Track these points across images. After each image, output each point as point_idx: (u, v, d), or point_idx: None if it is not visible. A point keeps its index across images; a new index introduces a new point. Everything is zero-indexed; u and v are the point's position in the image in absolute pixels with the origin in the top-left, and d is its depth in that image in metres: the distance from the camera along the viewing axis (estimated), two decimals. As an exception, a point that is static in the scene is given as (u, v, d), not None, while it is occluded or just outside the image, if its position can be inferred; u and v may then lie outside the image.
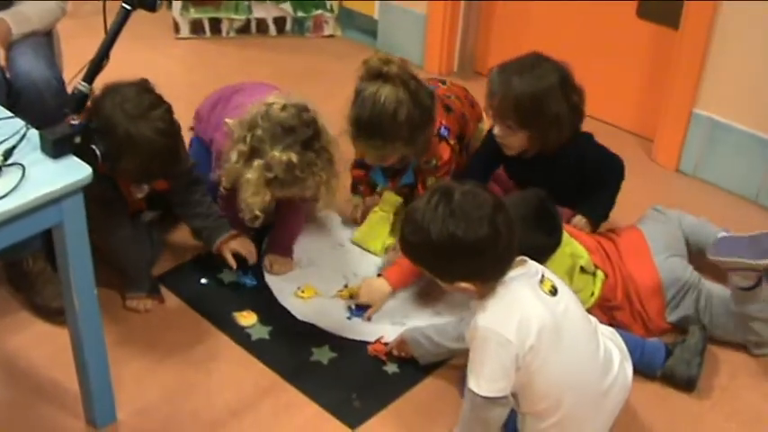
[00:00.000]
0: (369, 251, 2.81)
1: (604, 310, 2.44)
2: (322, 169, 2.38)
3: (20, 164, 1.81)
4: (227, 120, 2.49)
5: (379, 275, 2.61)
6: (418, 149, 2.61)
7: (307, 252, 2.77)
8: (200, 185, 2.58)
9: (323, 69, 3.85)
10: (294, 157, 2.32)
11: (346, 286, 2.64)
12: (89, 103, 2.10)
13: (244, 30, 4.14)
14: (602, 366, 2.00)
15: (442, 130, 2.66)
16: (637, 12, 3.33)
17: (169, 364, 2.35)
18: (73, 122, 1.96)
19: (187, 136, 2.72)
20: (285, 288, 2.63)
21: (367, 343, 2.44)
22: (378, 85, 2.48)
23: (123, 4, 1.99)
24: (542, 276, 1.97)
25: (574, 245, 2.44)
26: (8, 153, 1.83)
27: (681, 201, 2.93)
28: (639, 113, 3.46)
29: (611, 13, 3.39)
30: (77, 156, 1.89)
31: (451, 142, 2.68)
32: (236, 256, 2.58)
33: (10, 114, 1.99)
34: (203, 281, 2.65)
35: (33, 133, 1.90)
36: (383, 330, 2.49)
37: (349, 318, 2.53)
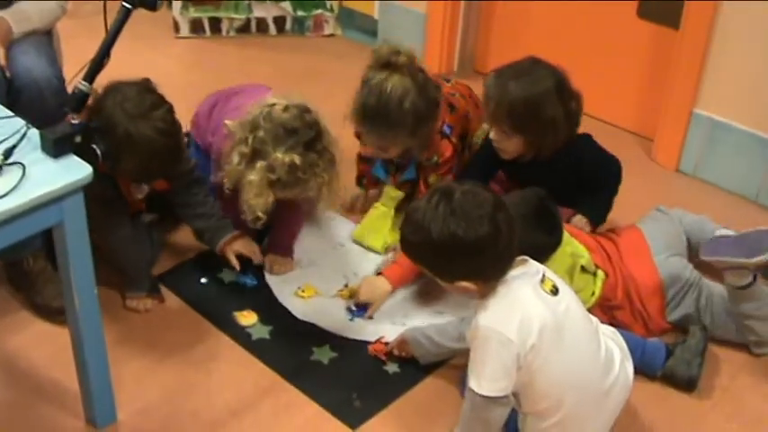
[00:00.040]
0: (369, 248, 2.80)
1: (605, 309, 2.44)
2: (324, 170, 2.38)
3: (20, 163, 1.81)
4: (226, 121, 2.48)
5: (379, 274, 2.61)
6: (421, 142, 2.61)
7: (307, 252, 2.77)
8: (202, 186, 2.57)
9: (323, 69, 3.85)
10: (297, 159, 2.32)
11: (347, 286, 2.64)
12: (90, 102, 2.10)
13: (244, 29, 4.13)
14: (603, 366, 2.00)
15: (445, 127, 2.67)
16: (637, 12, 3.33)
17: (169, 364, 2.35)
18: (73, 122, 1.96)
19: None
20: (285, 288, 2.63)
21: (367, 343, 2.44)
22: (386, 74, 2.50)
23: (124, 3, 1.99)
24: (543, 276, 1.97)
25: (574, 244, 2.44)
26: (8, 152, 1.82)
27: (681, 201, 2.93)
28: (639, 113, 3.46)
29: (611, 13, 3.39)
30: (78, 155, 1.89)
31: (454, 140, 2.69)
32: (239, 256, 2.58)
33: (10, 114, 1.99)
34: (203, 280, 2.64)
35: (34, 132, 1.90)
36: (383, 330, 2.49)
37: (351, 320, 2.53)
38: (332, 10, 4.14)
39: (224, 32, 4.13)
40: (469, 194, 1.89)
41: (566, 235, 2.37)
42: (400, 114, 2.49)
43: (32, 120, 1.94)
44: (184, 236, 2.78)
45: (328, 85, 3.55)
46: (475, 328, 1.91)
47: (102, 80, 2.11)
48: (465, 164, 2.81)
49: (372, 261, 2.74)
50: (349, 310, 2.56)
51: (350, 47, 4.07)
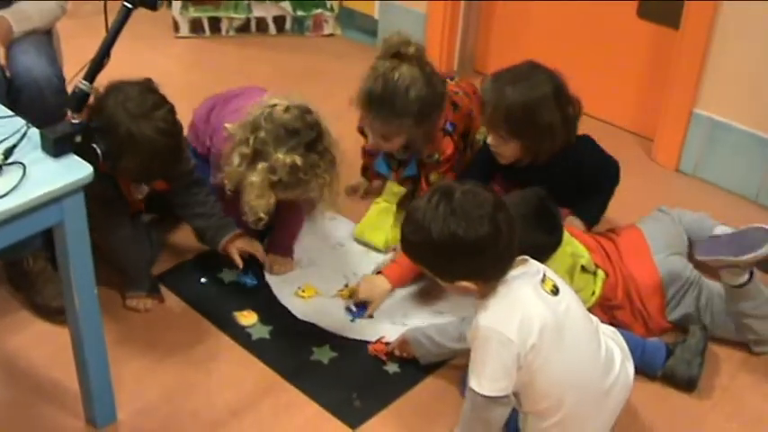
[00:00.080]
0: (370, 245, 2.80)
1: (605, 309, 2.44)
2: (325, 171, 2.37)
3: (20, 163, 1.81)
4: (226, 125, 2.48)
5: (378, 273, 2.61)
6: (424, 135, 2.62)
7: (307, 252, 2.77)
8: (202, 186, 2.57)
9: (322, 69, 3.85)
10: (298, 160, 2.32)
11: (347, 286, 2.64)
12: (92, 102, 2.10)
13: (243, 29, 4.13)
14: (603, 365, 2.00)
15: (448, 125, 2.68)
16: (637, 12, 3.33)
17: (169, 364, 2.35)
18: (74, 121, 1.96)
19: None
20: (285, 288, 2.63)
21: (367, 343, 2.44)
22: (395, 63, 2.52)
23: (124, 3, 1.99)
24: (544, 276, 1.97)
25: (574, 244, 2.44)
26: (9, 152, 1.82)
27: (681, 200, 2.92)
28: (639, 113, 3.46)
29: (611, 13, 3.39)
30: (78, 155, 1.89)
31: (455, 138, 2.70)
32: (240, 256, 2.58)
33: (11, 113, 1.99)
34: (203, 280, 2.64)
35: (34, 132, 1.90)
36: (383, 330, 2.48)
37: (352, 320, 2.52)
38: (332, 10, 4.14)
39: (223, 32, 4.12)
40: (470, 194, 1.89)
41: (566, 235, 2.37)
42: (406, 102, 2.51)
43: (32, 119, 1.94)
44: (184, 236, 2.78)
45: (328, 85, 3.55)
46: (475, 328, 1.91)
47: (102, 80, 2.11)
48: (466, 164, 2.81)
49: (372, 261, 2.74)
50: (348, 310, 2.56)
51: (350, 47, 4.07)
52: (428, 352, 2.33)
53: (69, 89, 2.09)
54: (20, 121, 1.92)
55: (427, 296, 2.63)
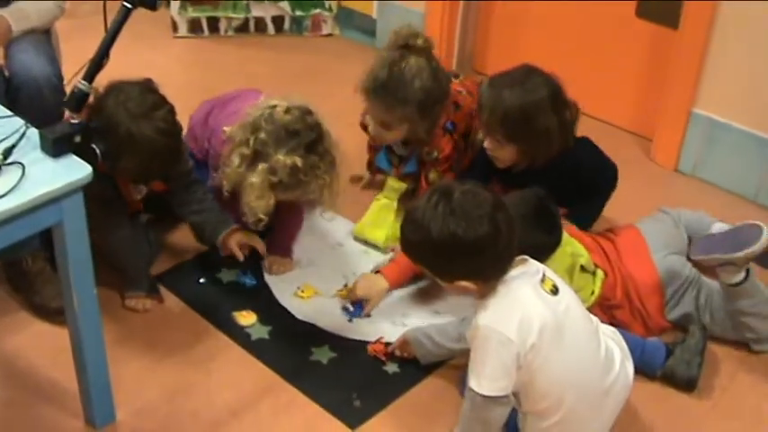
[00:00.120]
0: (371, 242, 2.80)
1: (604, 309, 2.44)
2: (325, 172, 2.37)
3: (19, 163, 1.81)
4: (225, 127, 2.47)
5: (377, 272, 2.61)
6: (425, 129, 2.62)
7: (306, 252, 2.77)
8: (200, 185, 2.57)
9: (321, 69, 3.84)
10: (299, 161, 2.31)
11: (346, 286, 2.63)
12: (91, 102, 2.10)
13: (242, 29, 4.13)
14: (603, 365, 2.00)
15: (448, 124, 2.69)
16: (636, 11, 3.33)
17: (168, 364, 2.35)
18: (73, 121, 1.95)
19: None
20: (285, 288, 2.62)
21: (367, 343, 2.44)
22: (403, 53, 2.56)
23: (124, 3, 1.98)
24: (543, 275, 1.97)
25: (574, 244, 2.44)
26: (8, 152, 1.82)
27: (679, 200, 2.93)
28: (638, 113, 3.46)
29: (610, 13, 3.39)
30: (77, 155, 1.89)
31: (455, 137, 2.70)
32: (242, 251, 2.57)
33: (9, 113, 1.98)
34: (202, 280, 2.64)
35: (33, 132, 1.89)
36: (383, 330, 2.48)
37: (350, 320, 2.52)
38: (330, 9, 4.14)
39: (222, 32, 4.12)
40: (469, 194, 1.89)
41: (565, 234, 2.37)
42: (410, 91, 2.53)
43: (31, 119, 1.94)
44: (183, 236, 2.78)
45: (327, 85, 3.55)
46: (475, 327, 1.91)
47: (100, 80, 2.10)
48: (467, 164, 2.80)
49: (372, 261, 2.74)
50: (345, 310, 2.55)
51: (348, 46, 4.07)
52: (429, 352, 2.33)
53: (68, 89, 2.09)
54: (19, 121, 1.92)
55: (426, 296, 2.63)
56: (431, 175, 2.75)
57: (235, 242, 2.55)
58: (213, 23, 4.09)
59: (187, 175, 2.54)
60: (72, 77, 2.11)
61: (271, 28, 4.15)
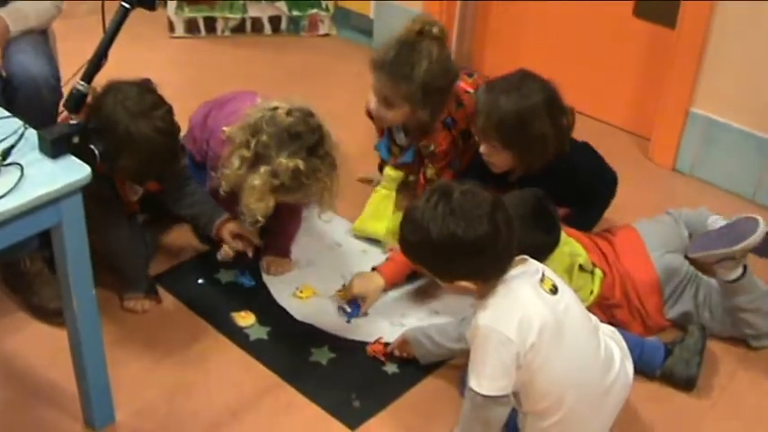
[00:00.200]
0: (372, 236, 2.81)
1: (603, 308, 2.44)
2: (326, 175, 2.36)
3: (18, 164, 1.80)
4: (224, 128, 2.47)
5: (372, 270, 2.60)
6: (425, 115, 2.63)
7: (305, 252, 2.77)
8: (192, 180, 2.57)
9: (318, 69, 3.84)
10: (301, 164, 2.30)
11: (344, 286, 2.63)
12: (90, 101, 2.10)
13: (239, 29, 4.13)
14: (603, 365, 2.00)
15: (448, 120, 2.69)
16: (633, 11, 3.33)
17: (168, 365, 2.34)
18: (72, 122, 1.95)
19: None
20: (283, 288, 2.62)
21: (366, 343, 2.44)
22: (417, 37, 2.59)
23: (122, 3, 1.98)
24: (543, 275, 1.97)
25: (572, 243, 2.44)
26: (6, 153, 1.81)
27: (677, 200, 2.93)
28: (636, 112, 3.46)
29: (607, 13, 3.39)
30: (76, 155, 1.88)
31: (453, 134, 2.70)
32: (236, 257, 2.57)
33: (7, 114, 1.98)
34: (200, 281, 2.63)
35: (31, 133, 1.89)
36: (382, 330, 2.48)
37: (348, 321, 2.52)
38: (327, 9, 4.14)
39: (219, 32, 4.12)
40: (468, 194, 1.89)
41: (563, 234, 2.38)
42: (416, 70, 2.55)
43: (29, 119, 1.93)
44: (181, 237, 2.78)
45: (324, 85, 3.56)
46: (475, 327, 1.91)
47: (97, 80, 2.09)
48: (465, 165, 2.80)
49: (370, 260, 2.73)
50: (343, 310, 2.55)
51: (345, 47, 4.07)
52: (428, 352, 2.33)
53: (66, 89, 2.08)
54: (17, 122, 1.92)
55: (425, 296, 2.63)
56: (428, 172, 2.76)
57: (228, 232, 2.54)
58: (210, 24, 4.09)
59: (181, 173, 2.54)
60: (70, 78, 2.11)
61: (268, 28, 4.15)
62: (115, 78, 2.25)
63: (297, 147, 2.32)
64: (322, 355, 2.40)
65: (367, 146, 3.03)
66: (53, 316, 2.37)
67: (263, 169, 2.32)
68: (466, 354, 1.99)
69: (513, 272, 1.94)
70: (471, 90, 2.82)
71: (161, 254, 2.72)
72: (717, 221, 2.61)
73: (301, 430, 2.20)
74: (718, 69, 3.07)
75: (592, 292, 2.41)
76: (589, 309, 2.18)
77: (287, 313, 2.54)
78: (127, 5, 1.99)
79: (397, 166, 2.85)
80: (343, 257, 2.77)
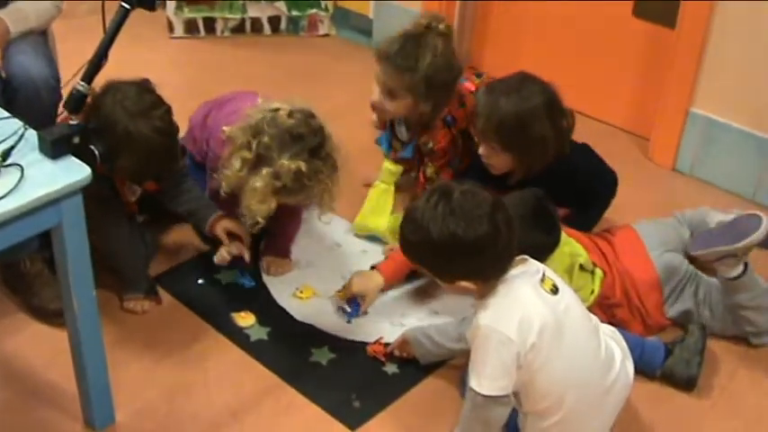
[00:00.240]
0: (373, 232, 2.81)
1: (604, 308, 2.44)
2: (328, 176, 2.36)
3: (18, 164, 1.80)
4: (224, 128, 2.47)
5: (372, 268, 2.60)
6: (427, 109, 2.63)
7: (305, 253, 2.77)
8: (188, 178, 2.57)
9: (318, 69, 3.84)
10: (303, 166, 2.29)
11: (344, 286, 2.63)
12: (89, 101, 2.09)
13: (238, 29, 4.12)
14: (603, 364, 2.00)
15: (448, 117, 2.70)
16: (633, 11, 3.33)
17: (168, 366, 2.34)
18: (72, 122, 1.95)
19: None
20: (283, 289, 2.62)
21: (366, 343, 2.44)
22: (424, 31, 2.61)
23: (122, 3, 1.98)
24: (543, 275, 1.97)
25: (572, 243, 2.44)
26: (6, 153, 1.81)
27: (677, 200, 2.93)
28: (636, 112, 3.46)
29: (606, 13, 3.39)
30: (76, 156, 1.88)
31: (453, 132, 2.70)
32: (234, 261, 2.56)
33: (7, 114, 1.98)
34: (200, 281, 2.63)
35: (31, 133, 1.89)
36: (382, 331, 2.48)
37: (349, 321, 2.52)
38: (327, 10, 4.13)
39: (218, 32, 4.12)
40: (468, 194, 1.90)
41: (563, 235, 2.37)
42: (421, 62, 2.57)
43: (29, 120, 1.93)
44: (181, 237, 2.78)
45: (323, 85, 3.56)
46: (475, 327, 1.91)
47: (96, 81, 2.09)
48: (465, 166, 2.80)
49: (370, 260, 2.72)
50: (342, 310, 2.55)
51: (345, 47, 4.07)
52: (428, 352, 2.33)
53: (66, 90, 2.08)
54: (17, 123, 1.92)
55: (425, 296, 2.63)
56: (428, 170, 2.76)
57: (221, 229, 2.53)
58: (209, 24, 4.09)
59: (178, 173, 2.54)
60: (71, 79, 2.11)
61: (267, 28, 4.15)
62: (114, 78, 2.25)
63: (299, 148, 2.31)
64: (322, 356, 2.40)
65: (367, 146, 3.03)
66: (53, 317, 2.37)
67: (264, 171, 2.31)
68: (466, 354, 1.99)
69: (514, 272, 1.94)
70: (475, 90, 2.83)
71: (161, 254, 2.72)
72: (716, 215, 2.62)
73: (301, 431, 2.20)
74: (718, 69, 3.07)
75: (592, 292, 2.41)
76: (590, 308, 2.18)
77: (287, 314, 2.54)
78: (127, 6, 1.99)
79: (396, 161, 2.86)
80: (342, 258, 2.77)
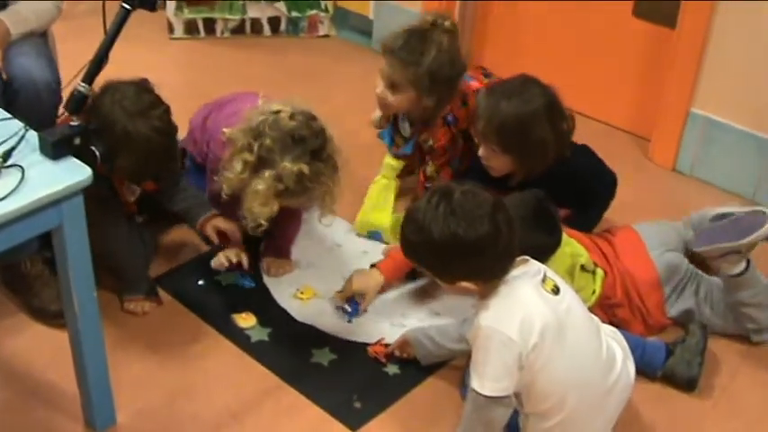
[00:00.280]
0: (376, 228, 2.81)
1: (605, 308, 2.44)
2: (329, 178, 2.35)
3: (19, 165, 1.80)
4: (224, 129, 2.46)
5: (372, 266, 2.60)
6: (429, 104, 2.64)
7: (305, 253, 2.76)
8: (185, 178, 2.57)
9: (318, 70, 3.84)
10: (305, 168, 2.28)
11: (344, 285, 2.62)
12: (88, 102, 2.09)
13: (238, 30, 4.12)
14: (605, 365, 2.00)
15: (449, 116, 2.69)
16: (633, 11, 3.33)
17: (168, 366, 2.34)
18: (72, 123, 1.95)
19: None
20: (284, 289, 2.62)
21: (367, 344, 2.43)
22: (430, 28, 2.62)
23: (123, 4, 1.98)
24: (544, 275, 1.97)
25: (573, 244, 2.44)
26: (7, 154, 1.81)
27: (677, 200, 2.93)
28: (636, 113, 3.46)
29: (607, 13, 3.39)
30: (77, 157, 1.88)
31: (453, 130, 2.71)
32: (232, 263, 2.56)
33: (8, 115, 1.98)
34: (201, 282, 2.63)
35: (32, 134, 1.89)
36: (383, 331, 2.48)
37: (349, 321, 2.52)
38: (327, 10, 4.13)
39: (218, 33, 4.11)
40: (469, 194, 1.90)
41: (564, 235, 2.37)
42: (425, 56, 2.57)
43: (30, 121, 1.93)
44: (181, 238, 2.78)
45: (324, 86, 3.55)
46: (477, 328, 1.91)
47: (96, 81, 2.09)
48: (465, 167, 2.80)
49: (370, 261, 2.72)
50: (342, 309, 2.54)
51: (345, 47, 4.06)
52: (429, 353, 2.33)
53: (67, 92, 2.08)
54: (17, 124, 1.91)
55: (425, 297, 2.63)
56: (428, 169, 2.77)
57: (211, 228, 2.53)
58: (209, 25, 4.08)
59: (177, 173, 2.54)
60: (71, 79, 2.11)
61: (267, 29, 4.15)
62: (113, 78, 2.25)
63: (301, 151, 2.31)
64: (323, 357, 2.40)
65: (366, 146, 3.03)
66: (54, 318, 2.37)
67: (267, 174, 2.30)
68: (467, 355, 1.99)
69: (515, 272, 1.94)
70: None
71: (161, 255, 2.72)
72: (714, 209, 2.63)
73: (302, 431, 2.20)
74: (719, 69, 3.07)
75: (594, 293, 2.41)
76: (591, 309, 2.18)
77: (288, 314, 2.54)
78: (128, 7, 1.99)
79: (397, 156, 2.86)
80: (343, 258, 2.77)
